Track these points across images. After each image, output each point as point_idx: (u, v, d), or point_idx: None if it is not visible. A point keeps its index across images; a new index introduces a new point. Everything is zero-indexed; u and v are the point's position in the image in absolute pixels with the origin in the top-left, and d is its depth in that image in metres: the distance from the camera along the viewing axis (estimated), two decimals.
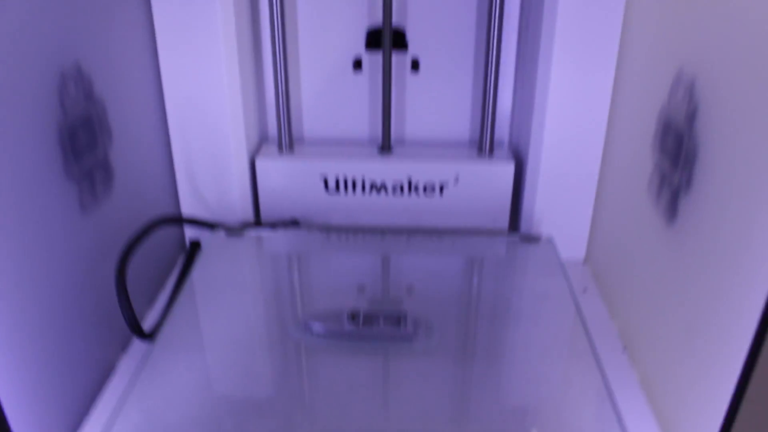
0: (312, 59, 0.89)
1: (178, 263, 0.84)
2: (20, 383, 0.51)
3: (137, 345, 0.69)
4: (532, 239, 0.81)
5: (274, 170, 0.86)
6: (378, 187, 0.87)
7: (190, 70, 0.78)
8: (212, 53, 0.77)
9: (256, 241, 0.80)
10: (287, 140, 0.88)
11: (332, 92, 0.91)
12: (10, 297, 0.49)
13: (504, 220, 0.89)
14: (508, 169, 0.86)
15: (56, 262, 0.56)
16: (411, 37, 0.88)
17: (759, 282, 0.44)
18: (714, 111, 0.52)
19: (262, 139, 0.93)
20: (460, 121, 0.93)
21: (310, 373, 0.59)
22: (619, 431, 0.52)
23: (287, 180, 0.87)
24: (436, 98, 0.92)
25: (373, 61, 0.89)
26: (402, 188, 0.87)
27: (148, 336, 0.65)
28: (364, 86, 0.90)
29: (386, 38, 0.84)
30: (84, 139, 0.60)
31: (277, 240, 0.81)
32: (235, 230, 0.80)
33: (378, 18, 0.87)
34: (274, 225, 0.85)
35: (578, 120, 0.80)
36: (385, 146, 0.90)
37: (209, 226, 0.80)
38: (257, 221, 0.89)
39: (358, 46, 0.89)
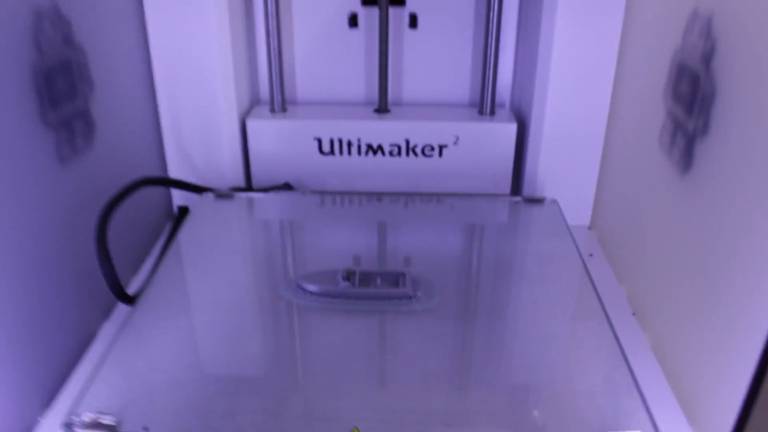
0: (305, 14, 0.85)
1: (165, 230, 0.80)
2: None
3: (121, 312, 0.65)
4: (535, 201, 0.77)
5: (266, 131, 0.82)
6: (374, 149, 0.83)
7: (178, 24, 0.73)
8: (202, 4, 0.72)
9: (247, 204, 0.76)
10: (280, 101, 0.84)
11: (326, 50, 0.87)
12: None
13: (506, 185, 0.86)
14: (511, 129, 0.82)
15: (31, 214, 0.52)
16: None
17: None
18: (733, 47, 0.49)
19: (254, 103, 0.89)
20: (459, 82, 0.89)
21: (302, 334, 0.56)
22: (634, 391, 0.48)
23: (279, 142, 0.83)
24: (434, 56, 0.87)
25: (369, 16, 0.85)
26: (399, 150, 0.83)
27: (131, 299, 0.61)
28: (360, 43, 0.86)
29: None
30: (62, 86, 0.57)
31: (268, 203, 0.77)
32: (224, 194, 0.76)
33: None
34: (265, 190, 0.81)
35: (584, 76, 0.76)
36: (382, 107, 0.86)
37: (197, 189, 0.77)
38: (248, 186, 0.85)
39: (354, 0, 0.84)
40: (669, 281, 0.59)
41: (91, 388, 0.47)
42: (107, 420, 0.44)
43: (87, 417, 0.44)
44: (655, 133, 0.63)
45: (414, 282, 0.59)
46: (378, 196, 0.79)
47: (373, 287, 0.58)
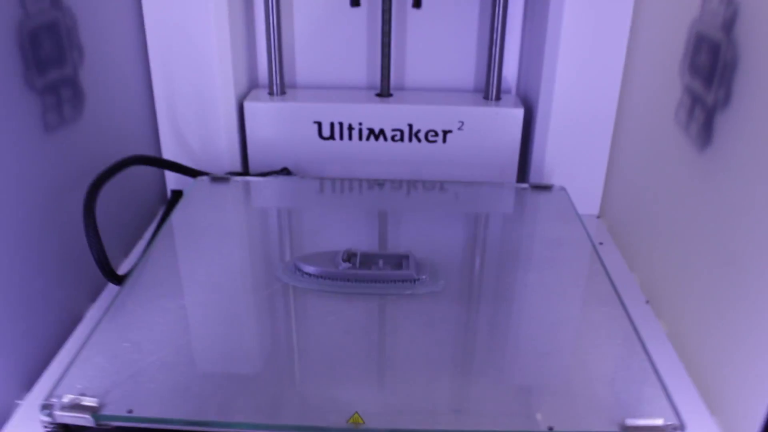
0: None
1: (158, 215, 0.77)
2: None
3: (109, 294, 0.62)
4: (543, 188, 0.74)
5: (264, 114, 0.79)
6: (376, 134, 0.80)
7: None
8: None
9: (244, 188, 0.73)
10: (279, 83, 0.81)
11: (327, 29, 0.84)
12: None
13: (512, 173, 0.83)
14: (517, 114, 0.79)
15: (13, 184, 0.49)
16: None
17: None
18: (757, 11, 0.46)
19: (252, 86, 0.86)
20: (464, 66, 0.86)
21: (299, 318, 0.52)
22: (654, 377, 0.45)
23: (278, 125, 0.80)
24: (439, 38, 0.85)
25: None
26: (402, 135, 0.80)
27: (120, 279, 0.58)
28: (362, 23, 0.83)
29: None
30: (49, 49, 0.54)
31: (266, 187, 0.74)
32: (220, 177, 0.73)
33: None
34: (263, 175, 0.78)
35: (594, 59, 0.73)
36: (384, 91, 0.83)
37: (191, 172, 0.73)
38: (245, 171, 0.82)
39: None
40: (687, 266, 0.56)
41: (73, 368, 0.44)
42: (89, 402, 0.41)
43: (67, 398, 0.41)
44: (671, 111, 0.60)
45: (418, 264, 0.55)
46: (379, 182, 0.76)
47: (375, 269, 0.55)
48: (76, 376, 0.43)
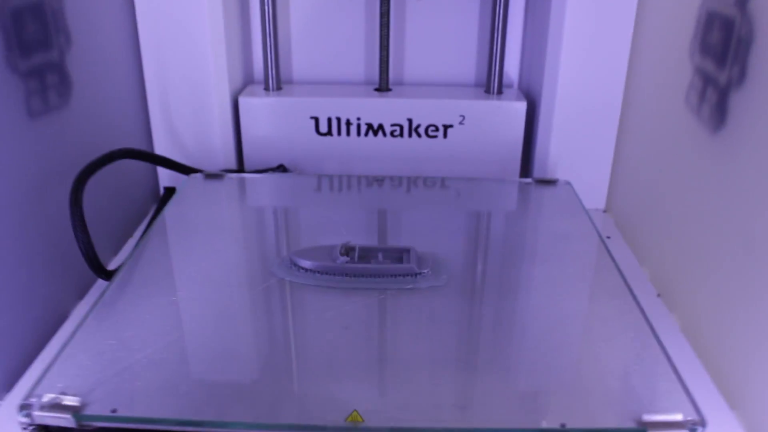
0: None
1: (150, 212, 0.75)
2: None
3: (97, 291, 0.59)
4: (548, 182, 0.72)
5: (260, 110, 0.77)
6: (375, 129, 0.78)
7: None
8: None
9: (239, 184, 0.71)
10: (274, 78, 0.79)
11: (324, 21, 0.82)
12: None
13: (515, 168, 0.80)
14: (519, 108, 0.77)
15: None
16: None
17: None
18: None
19: (248, 82, 0.84)
20: (465, 59, 0.84)
21: (295, 314, 0.50)
22: (670, 371, 0.43)
23: (274, 121, 0.78)
24: (439, 31, 0.83)
25: None
26: (402, 130, 0.78)
27: (109, 274, 0.56)
28: (360, 16, 0.81)
29: None
30: (33, 31, 0.52)
31: (261, 184, 0.72)
32: (214, 174, 0.71)
33: None
34: (259, 172, 0.76)
35: (598, 50, 0.71)
36: (383, 85, 0.81)
37: (184, 169, 0.71)
38: (240, 168, 0.80)
39: None
40: (702, 257, 0.54)
41: (55, 366, 0.41)
42: (70, 401, 0.38)
43: (47, 398, 0.39)
44: (681, 95, 0.58)
45: (420, 258, 0.53)
46: (379, 179, 0.73)
47: (374, 263, 0.53)
48: (58, 374, 0.41)
